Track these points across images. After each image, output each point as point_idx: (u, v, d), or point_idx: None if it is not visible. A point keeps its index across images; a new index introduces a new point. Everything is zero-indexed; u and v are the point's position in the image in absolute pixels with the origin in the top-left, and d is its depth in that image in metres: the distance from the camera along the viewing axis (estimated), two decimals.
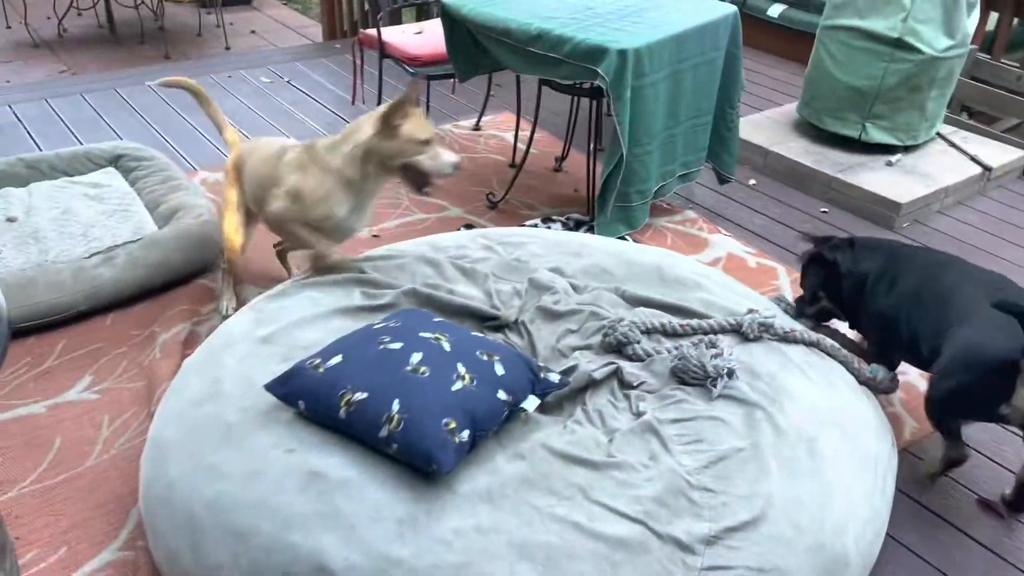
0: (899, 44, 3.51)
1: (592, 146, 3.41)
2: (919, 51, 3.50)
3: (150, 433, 1.86)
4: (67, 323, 2.57)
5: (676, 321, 2.15)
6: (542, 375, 1.83)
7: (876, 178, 3.57)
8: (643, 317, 2.16)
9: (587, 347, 2.09)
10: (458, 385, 1.65)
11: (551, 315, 2.18)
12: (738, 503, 1.64)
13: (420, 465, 1.56)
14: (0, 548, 1.17)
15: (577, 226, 3.23)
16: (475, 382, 1.67)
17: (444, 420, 1.57)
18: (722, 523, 1.61)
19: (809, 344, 2.14)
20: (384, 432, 1.57)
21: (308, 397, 1.65)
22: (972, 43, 4.10)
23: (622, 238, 3.08)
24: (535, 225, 3.20)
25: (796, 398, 1.91)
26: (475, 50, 3.17)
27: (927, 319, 2.06)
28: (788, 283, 3.00)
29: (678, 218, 3.45)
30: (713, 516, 1.62)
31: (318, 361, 1.70)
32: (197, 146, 3.88)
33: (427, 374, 1.65)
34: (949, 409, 1.98)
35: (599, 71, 2.71)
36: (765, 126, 4.08)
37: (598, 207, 3.02)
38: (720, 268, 3.06)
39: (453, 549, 1.49)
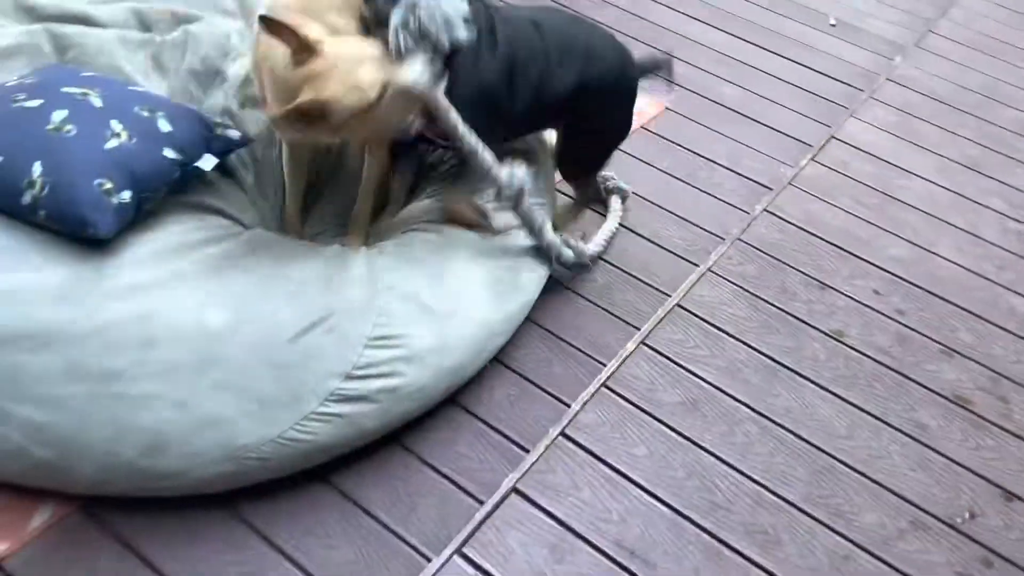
0: None
1: None
2: None
3: None
4: None
5: None
6: (219, 132, 1.72)
7: None
8: None
9: None
10: (113, 143, 1.50)
11: None
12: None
13: (76, 231, 1.44)
14: None
15: None
16: (134, 139, 1.53)
17: (97, 180, 1.44)
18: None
19: None
20: (28, 198, 1.42)
21: None
22: None
23: None
24: None
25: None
26: None
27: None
28: None
29: None
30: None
31: None
32: None
33: (73, 132, 1.47)
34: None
35: None
36: None
37: None
38: None
39: (131, 301, 1.42)
